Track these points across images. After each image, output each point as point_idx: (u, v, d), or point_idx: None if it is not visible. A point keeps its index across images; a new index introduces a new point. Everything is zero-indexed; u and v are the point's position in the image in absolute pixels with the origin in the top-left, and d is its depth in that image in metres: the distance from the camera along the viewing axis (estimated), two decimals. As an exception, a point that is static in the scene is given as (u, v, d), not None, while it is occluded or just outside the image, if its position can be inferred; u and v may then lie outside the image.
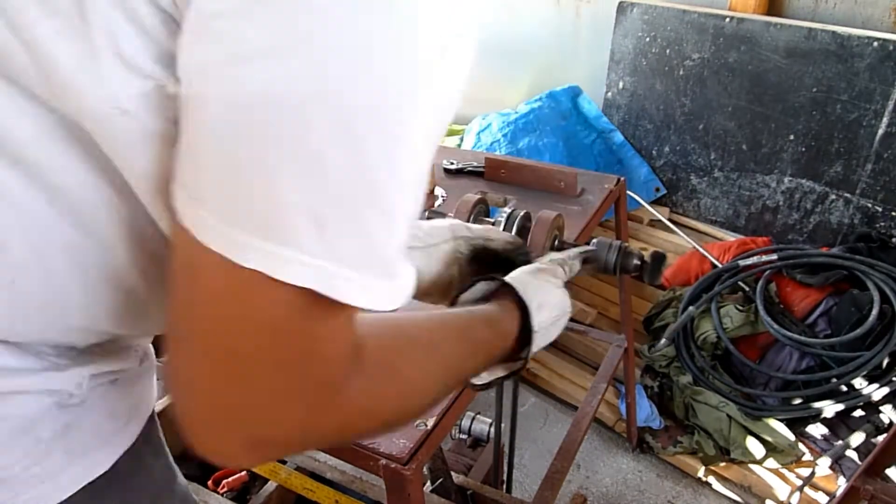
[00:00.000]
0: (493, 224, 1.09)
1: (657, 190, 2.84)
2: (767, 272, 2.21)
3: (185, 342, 0.40)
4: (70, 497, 0.52)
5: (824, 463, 1.93)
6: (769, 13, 2.42)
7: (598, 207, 1.38)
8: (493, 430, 1.54)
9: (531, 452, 2.19)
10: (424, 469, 0.95)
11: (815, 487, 1.95)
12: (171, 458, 0.69)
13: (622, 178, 1.51)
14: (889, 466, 1.42)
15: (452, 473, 1.45)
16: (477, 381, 0.69)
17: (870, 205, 2.32)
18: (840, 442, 1.98)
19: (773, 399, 2.08)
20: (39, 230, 0.43)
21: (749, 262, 2.24)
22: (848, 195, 2.37)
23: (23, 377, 0.47)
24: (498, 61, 3.20)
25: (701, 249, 2.44)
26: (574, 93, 2.89)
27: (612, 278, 2.42)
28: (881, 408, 2.00)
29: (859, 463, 1.85)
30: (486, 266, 0.80)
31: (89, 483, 0.53)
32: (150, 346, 0.62)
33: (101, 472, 0.54)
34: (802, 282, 2.17)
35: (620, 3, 2.72)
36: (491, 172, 1.51)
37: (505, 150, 2.61)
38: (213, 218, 0.36)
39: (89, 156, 0.42)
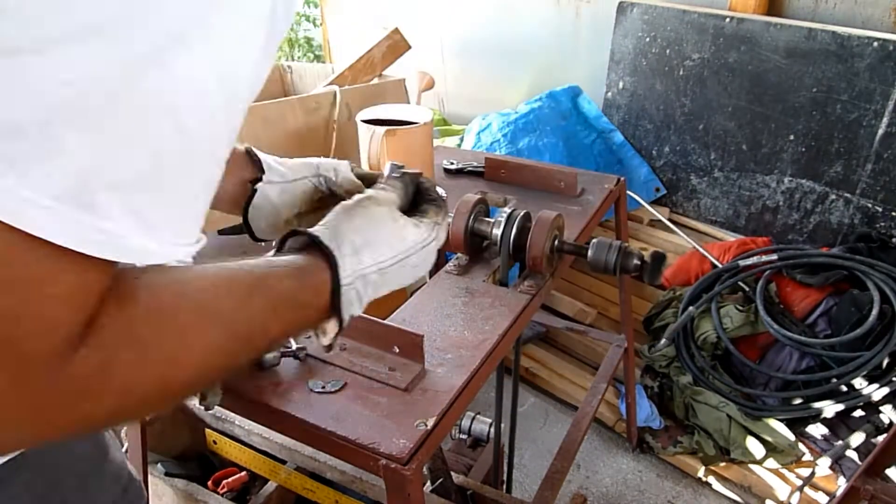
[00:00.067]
0: (493, 224, 1.09)
1: (657, 190, 2.84)
2: (767, 272, 2.21)
3: None
4: None
5: (824, 463, 1.93)
6: (769, 13, 2.42)
7: (598, 207, 1.38)
8: (493, 430, 1.54)
9: (531, 452, 2.19)
10: (424, 469, 0.95)
11: (815, 487, 1.95)
12: (105, 439, 0.68)
13: (622, 178, 1.51)
14: (889, 466, 1.42)
15: (452, 473, 1.45)
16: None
17: (870, 205, 2.32)
18: (840, 442, 1.98)
19: (773, 399, 2.08)
20: None
21: (749, 262, 2.24)
22: (848, 195, 2.37)
23: None
24: (498, 61, 3.21)
25: (701, 249, 2.44)
26: (574, 93, 2.89)
27: (612, 278, 2.42)
28: (881, 408, 2.00)
29: (859, 463, 1.85)
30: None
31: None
32: None
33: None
34: (802, 282, 2.17)
35: (620, 3, 2.72)
36: (491, 172, 1.51)
37: (505, 150, 2.61)
38: None
39: None
